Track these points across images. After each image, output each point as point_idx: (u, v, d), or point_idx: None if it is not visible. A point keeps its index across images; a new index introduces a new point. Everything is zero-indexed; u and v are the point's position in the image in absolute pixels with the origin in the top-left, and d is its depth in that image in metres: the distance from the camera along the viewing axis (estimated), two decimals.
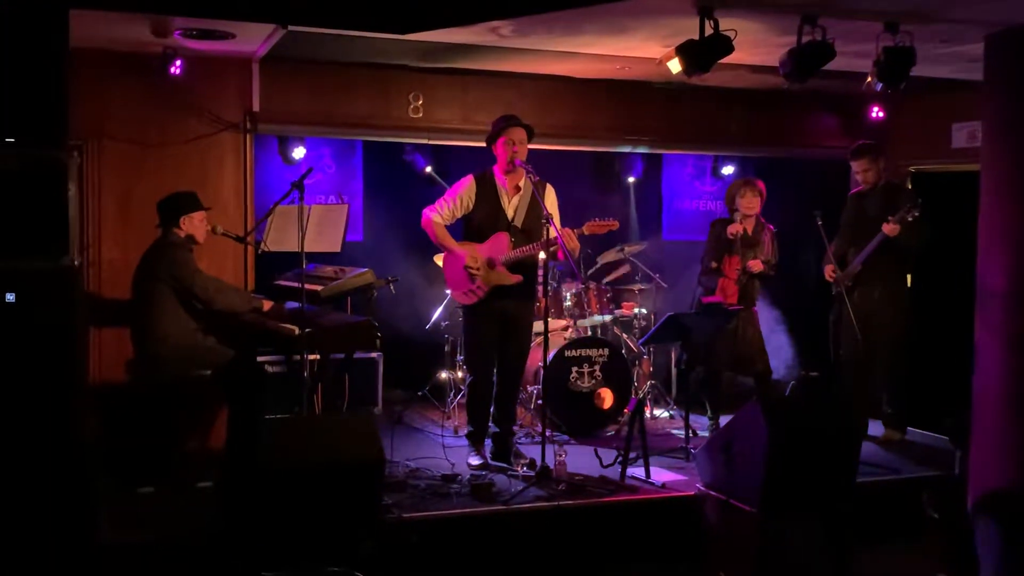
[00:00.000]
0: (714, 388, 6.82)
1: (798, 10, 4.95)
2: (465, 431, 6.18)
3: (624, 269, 7.70)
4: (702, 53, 4.99)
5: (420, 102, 6.94)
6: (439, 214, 5.87)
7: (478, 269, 5.78)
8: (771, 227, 6.69)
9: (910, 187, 7.66)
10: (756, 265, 6.57)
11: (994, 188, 5.45)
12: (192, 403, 5.76)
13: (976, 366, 5.49)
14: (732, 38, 4.96)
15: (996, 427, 5.36)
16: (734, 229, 6.58)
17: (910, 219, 6.41)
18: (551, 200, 5.91)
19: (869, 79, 5.46)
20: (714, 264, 6.65)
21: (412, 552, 4.80)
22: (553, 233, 5.48)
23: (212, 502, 5.14)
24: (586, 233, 5.76)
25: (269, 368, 6.26)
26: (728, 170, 8.81)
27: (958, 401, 5.74)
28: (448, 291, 7.26)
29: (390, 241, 7.84)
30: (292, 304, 5.71)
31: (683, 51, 5.06)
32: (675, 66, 5.14)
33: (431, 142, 7.34)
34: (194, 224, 5.64)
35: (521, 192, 5.87)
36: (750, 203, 6.61)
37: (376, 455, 4.60)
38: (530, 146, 5.84)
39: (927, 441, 6.79)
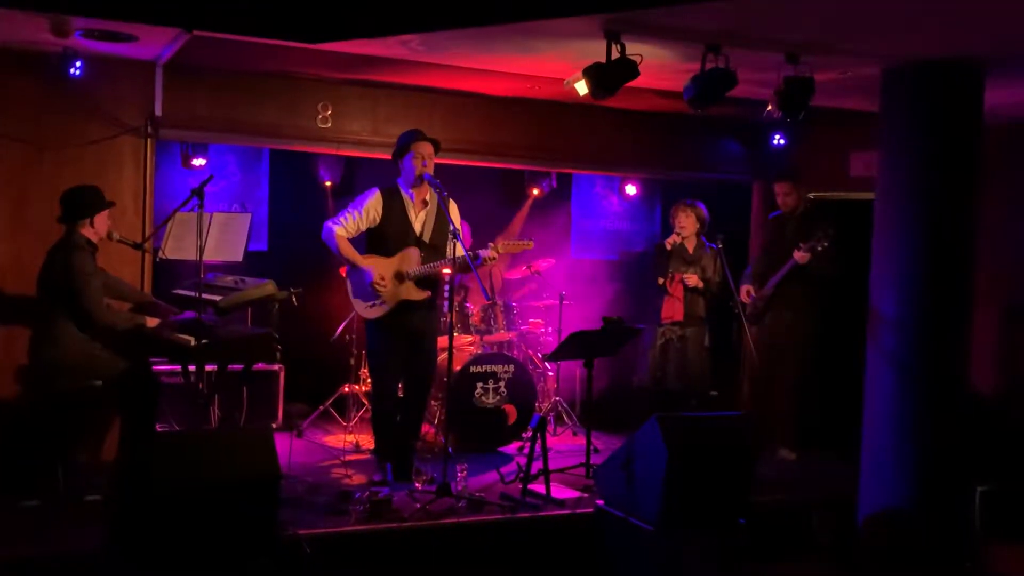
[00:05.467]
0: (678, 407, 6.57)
1: (702, 39, 5.04)
2: (368, 447, 6.09)
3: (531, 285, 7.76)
4: (608, 76, 5.04)
5: (329, 112, 6.86)
6: (343, 227, 5.75)
7: (385, 286, 5.71)
8: (714, 246, 6.81)
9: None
10: (691, 279, 6.82)
11: (887, 217, 5.65)
12: (82, 414, 5.57)
13: (867, 389, 5.67)
14: (638, 63, 5.02)
15: (886, 448, 5.54)
16: (669, 240, 6.94)
17: (819, 249, 6.57)
18: (454, 214, 5.89)
19: (770, 107, 5.59)
20: (660, 280, 6.93)
21: (307, 570, 4.72)
22: (460, 251, 5.45)
23: (100, 516, 4.98)
24: (500, 251, 5.75)
25: (165, 379, 6.10)
26: (631, 190, 8.92)
27: (852, 423, 5.90)
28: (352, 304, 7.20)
29: (296, 251, 7.70)
30: (189, 314, 5.56)
31: (590, 73, 5.10)
32: (582, 88, 5.19)
33: (339, 152, 7.26)
34: (104, 221, 5.44)
35: (428, 207, 5.84)
36: (683, 223, 6.97)
37: (271, 471, 4.53)
38: (437, 160, 5.83)
39: (822, 461, 6.92)
